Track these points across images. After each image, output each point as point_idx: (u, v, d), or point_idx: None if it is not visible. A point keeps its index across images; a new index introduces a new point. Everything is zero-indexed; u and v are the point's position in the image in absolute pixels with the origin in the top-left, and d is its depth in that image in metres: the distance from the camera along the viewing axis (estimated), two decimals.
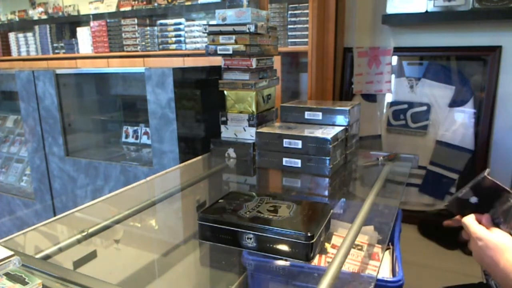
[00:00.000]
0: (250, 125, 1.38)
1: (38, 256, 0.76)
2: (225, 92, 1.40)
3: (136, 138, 2.19)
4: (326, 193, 1.17)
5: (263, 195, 0.89)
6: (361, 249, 0.90)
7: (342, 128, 1.28)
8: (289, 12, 2.19)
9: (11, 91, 2.49)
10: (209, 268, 0.97)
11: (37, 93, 1.91)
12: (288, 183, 1.26)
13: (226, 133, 1.43)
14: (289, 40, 2.21)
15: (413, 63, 2.10)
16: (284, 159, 1.23)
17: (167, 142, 1.58)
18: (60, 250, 0.81)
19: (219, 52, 1.35)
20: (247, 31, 1.28)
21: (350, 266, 0.84)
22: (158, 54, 2.70)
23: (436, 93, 2.04)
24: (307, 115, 1.37)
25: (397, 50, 2.10)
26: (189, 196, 1.20)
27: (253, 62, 1.33)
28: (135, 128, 2.20)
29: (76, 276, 0.65)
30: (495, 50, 1.89)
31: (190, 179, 1.25)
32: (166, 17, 2.73)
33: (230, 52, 1.32)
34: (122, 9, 2.85)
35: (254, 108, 1.37)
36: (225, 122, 1.42)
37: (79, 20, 3.14)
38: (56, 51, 3.26)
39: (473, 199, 0.88)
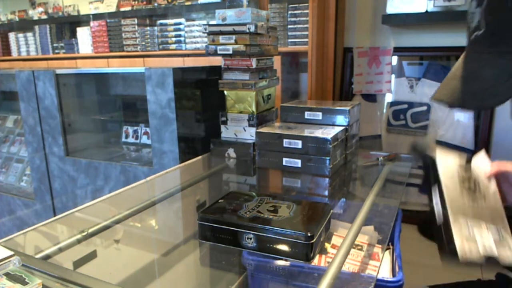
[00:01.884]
0: (250, 125, 1.38)
1: (38, 256, 0.76)
2: (225, 92, 1.40)
3: (136, 138, 2.19)
4: (326, 193, 1.17)
5: (263, 195, 0.89)
6: (361, 249, 0.90)
7: (342, 128, 1.28)
8: (289, 12, 2.19)
9: (11, 91, 2.49)
10: (209, 268, 0.97)
11: (37, 93, 1.91)
12: (288, 183, 1.26)
13: (226, 133, 1.43)
14: (289, 40, 2.21)
15: (413, 63, 2.10)
16: (284, 159, 1.23)
17: (167, 142, 1.58)
18: (60, 250, 0.81)
19: (219, 52, 1.35)
20: (247, 31, 1.28)
21: (350, 266, 0.84)
22: (158, 54, 2.70)
23: None
24: (307, 115, 1.37)
25: (397, 50, 2.10)
26: (189, 196, 1.20)
27: (253, 62, 1.33)
28: (135, 128, 2.20)
29: (76, 276, 0.65)
30: None
31: (190, 179, 1.25)
32: (166, 17, 2.73)
33: (230, 52, 1.32)
34: (122, 9, 2.85)
35: (254, 108, 1.37)
36: (225, 122, 1.42)
37: (79, 20, 3.14)
38: (56, 51, 3.26)
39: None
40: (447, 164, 0.90)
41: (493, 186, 0.85)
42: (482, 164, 0.89)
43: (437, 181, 0.85)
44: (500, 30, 0.57)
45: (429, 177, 0.90)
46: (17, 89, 1.98)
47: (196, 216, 0.80)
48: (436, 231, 0.80)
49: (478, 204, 0.81)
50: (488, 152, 1.96)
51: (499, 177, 0.85)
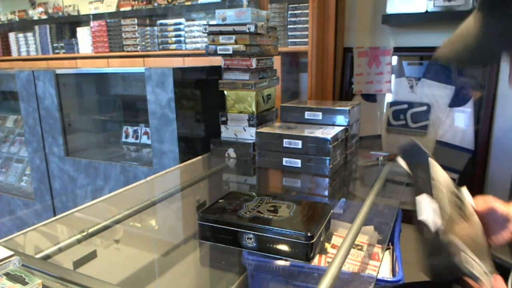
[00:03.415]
0: (250, 125, 1.38)
1: (38, 256, 0.76)
2: (225, 92, 1.40)
3: (136, 138, 2.19)
4: (326, 193, 1.17)
5: (263, 195, 0.89)
6: (361, 249, 0.90)
7: (342, 128, 1.28)
8: (289, 12, 2.19)
9: (11, 91, 2.49)
10: (209, 268, 0.97)
11: (37, 93, 1.91)
12: (288, 183, 1.26)
13: (226, 133, 1.43)
14: (289, 40, 2.20)
15: (413, 63, 2.10)
16: (284, 159, 1.23)
17: (167, 142, 1.58)
18: (60, 250, 0.81)
19: (219, 52, 1.35)
20: (247, 31, 1.28)
21: (350, 266, 0.84)
22: (158, 54, 2.70)
23: (436, 93, 2.03)
24: (307, 115, 1.37)
25: (397, 50, 2.10)
26: (189, 196, 1.20)
27: (253, 62, 1.33)
28: (135, 128, 2.20)
29: (76, 276, 0.65)
30: None
31: (190, 179, 1.25)
32: (166, 17, 2.73)
33: (230, 52, 1.32)
34: (122, 9, 2.85)
35: (254, 108, 1.37)
36: (225, 122, 1.42)
37: (79, 20, 3.14)
38: (56, 51, 3.26)
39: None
40: (441, 170, 0.82)
41: (477, 218, 0.81)
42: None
43: (429, 183, 0.74)
44: None
45: (417, 174, 0.80)
46: (17, 89, 1.98)
47: (196, 216, 0.80)
48: (428, 242, 0.69)
49: (464, 224, 0.75)
50: (487, 153, 1.96)
51: (486, 213, 0.79)
